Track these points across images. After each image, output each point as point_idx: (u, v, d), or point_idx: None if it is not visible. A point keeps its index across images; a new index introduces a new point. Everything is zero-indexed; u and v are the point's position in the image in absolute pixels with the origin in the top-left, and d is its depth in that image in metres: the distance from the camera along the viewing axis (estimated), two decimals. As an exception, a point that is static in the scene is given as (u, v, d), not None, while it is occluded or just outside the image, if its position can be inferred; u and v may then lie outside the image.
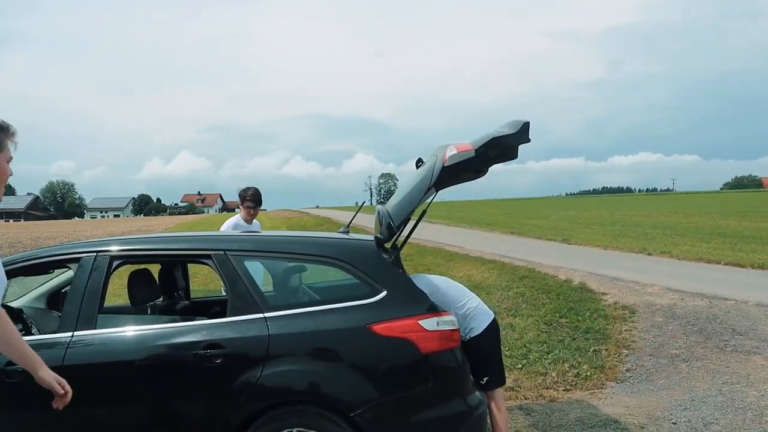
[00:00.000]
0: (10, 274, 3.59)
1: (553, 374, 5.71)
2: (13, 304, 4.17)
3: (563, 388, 5.42)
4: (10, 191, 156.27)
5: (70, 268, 3.62)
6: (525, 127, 3.36)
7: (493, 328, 3.90)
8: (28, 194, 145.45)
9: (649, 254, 13.66)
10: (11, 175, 2.16)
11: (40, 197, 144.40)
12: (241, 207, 5.97)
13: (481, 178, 3.67)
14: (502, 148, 3.40)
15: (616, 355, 6.26)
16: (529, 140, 3.40)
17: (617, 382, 5.59)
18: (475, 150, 3.37)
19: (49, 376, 2.30)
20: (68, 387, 2.35)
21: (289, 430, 3.11)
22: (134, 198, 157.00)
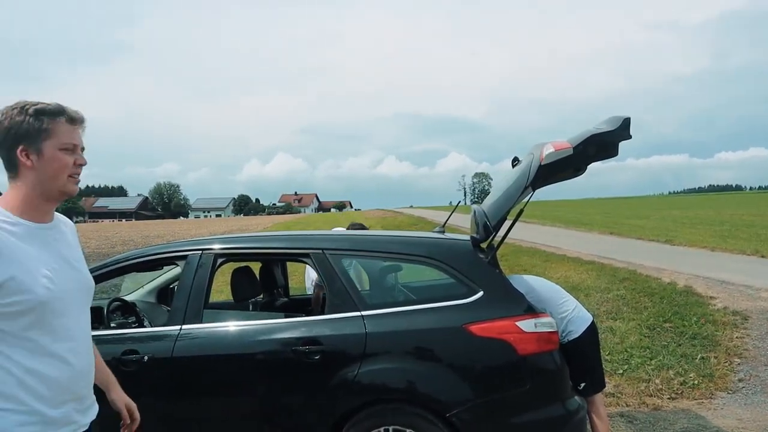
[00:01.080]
0: (124, 271, 3.82)
1: (657, 381, 5.46)
2: (127, 298, 4.44)
3: (668, 397, 5.18)
4: (122, 192, 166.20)
5: (177, 265, 3.80)
6: (626, 123, 3.25)
7: (592, 331, 3.78)
8: (138, 195, 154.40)
9: (762, 256, 12.80)
10: (81, 164, 1.89)
11: (149, 198, 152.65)
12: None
13: (578, 177, 3.57)
14: (601, 145, 3.30)
15: (726, 364, 5.91)
16: (630, 137, 3.28)
17: (728, 393, 5.28)
18: (574, 148, 3.28)
19: (120, 401, 2.13)
20: (136, 415, 2.17)
21: (385, 427, 3.14)
22: (234, 198, 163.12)
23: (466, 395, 3.13)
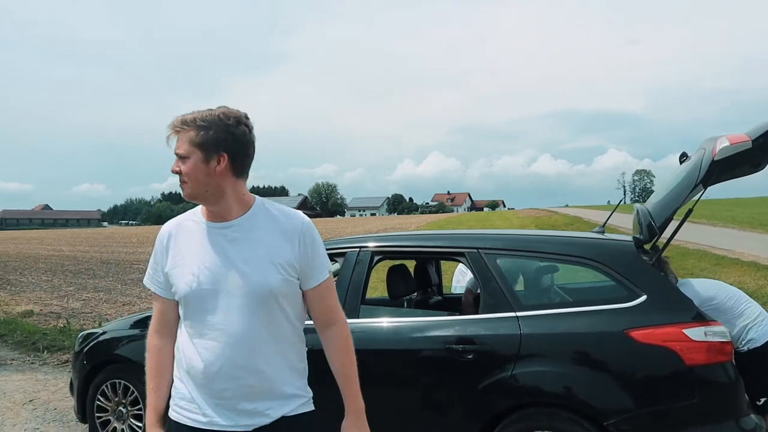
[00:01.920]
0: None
1: None
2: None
3: None
4: (284, 192, 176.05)
5: (336, 262, 3.97)
6: None
7: None
8: (299, 195, 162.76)
9: None
10: (173, 170, 1.92)
11: (308, 197, 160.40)
12: None
13: (757, 173, 3.29)
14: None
15: None
16: None
17: None
18: (753, 141, 3.02)
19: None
20: None
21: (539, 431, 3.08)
22: (388, 198, 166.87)
23: (626, 404, 2.98)
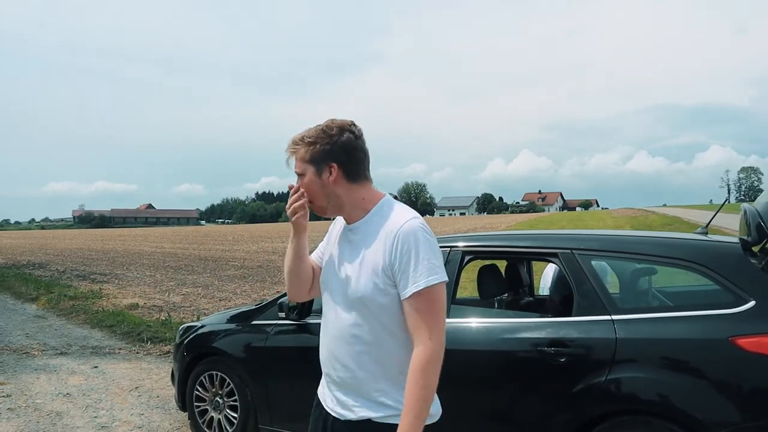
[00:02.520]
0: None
1: None
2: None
3: None
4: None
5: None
6: None
7: None
8: (389, 194, 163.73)
9: None
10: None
11: (398, 197, 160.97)
12: None
13: None
14: None
15: None
16: None
17: None
18: None
19: None
20: None
21: None
22: (478, 197, 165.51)
23: (729, 417, 2.81)
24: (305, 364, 3.10)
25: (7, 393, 6.01)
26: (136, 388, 6.17)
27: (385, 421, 1.95)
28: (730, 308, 2.97)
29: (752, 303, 2.93)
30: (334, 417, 2.04)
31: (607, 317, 3.14)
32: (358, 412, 1.98)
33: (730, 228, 14.61)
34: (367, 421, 1.96)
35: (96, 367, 7.09)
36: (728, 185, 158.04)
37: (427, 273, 1.86)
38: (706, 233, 3.90)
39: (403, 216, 1.96)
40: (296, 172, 2.02)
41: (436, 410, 2.00)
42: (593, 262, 3.37)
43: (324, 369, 2.10)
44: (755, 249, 3.33)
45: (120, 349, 8.08)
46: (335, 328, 2.02)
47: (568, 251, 3.42)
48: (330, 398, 2.07)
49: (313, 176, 1.99)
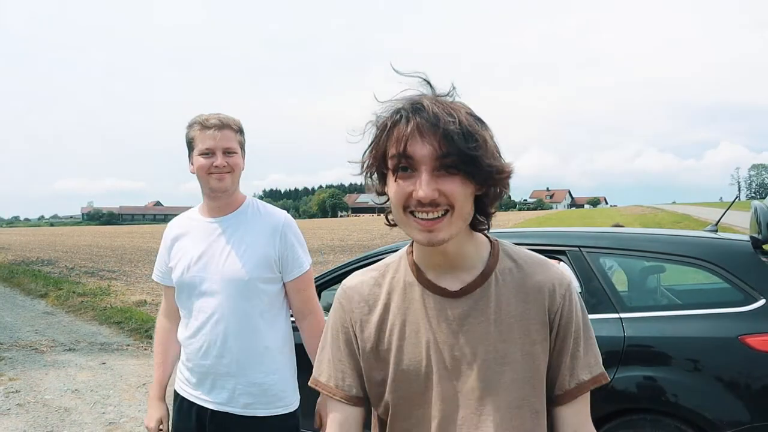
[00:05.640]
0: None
1: None
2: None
3: None
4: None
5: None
6: None
7: None
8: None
9: None
10: (218, 165, 2.14)
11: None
12: None
13: None
14: None
15: None
16: None
17: None
18: None
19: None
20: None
21: None
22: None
23: (739, 416, 2.80)
24: (305, 362, 3.10)
25: (17, 389, 6.04)
26: (144, 384, 6.19)
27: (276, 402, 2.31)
28: (740, 307, 2.95)
29: (762, 301, 2.91)
30: None
31: (615, 315, 3.12)
32: (243, 399, 2.27)
33: (740, 226, 14.54)
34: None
35: (104, 363, 7.12)
36: (739, 182, 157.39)
37: (305, 257, 2.32)
38: (716, 231, 3.87)
39: (281, 211, 2.35)
40: (228, 149, 2.17)
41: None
42: (602, 260, 3.35)
43: (200, 361, 2.25)
44: (766, 247, 3.31)
45: (128, 345, 8.11)
46: (214, 318, 2.23)
47: (576, 249, 3.40)
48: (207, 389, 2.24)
49: (242, 159, 2.24)
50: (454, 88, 1.15)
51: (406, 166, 1.10)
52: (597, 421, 3.03)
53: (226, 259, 2.18)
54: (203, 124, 2.16)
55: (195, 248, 2.22)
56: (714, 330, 2.94)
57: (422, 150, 1.08)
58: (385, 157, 1.13)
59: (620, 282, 4.02)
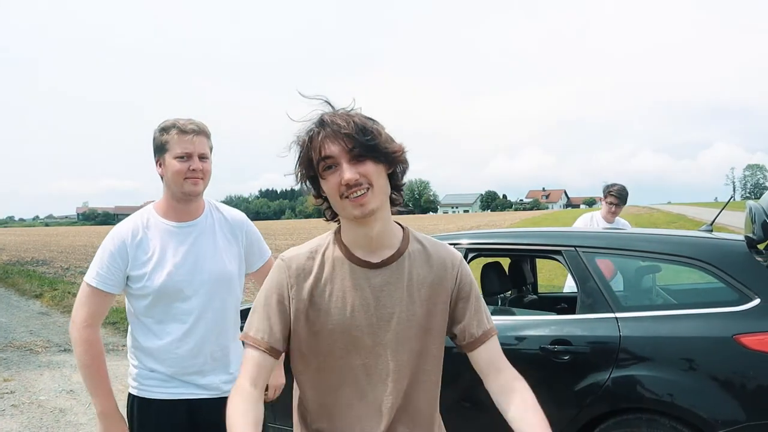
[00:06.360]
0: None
1: None
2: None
3: None
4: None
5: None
6: None
7: None
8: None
9: None
10: (195, 169, 2.19)
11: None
12: (603, 202, 5.73)
13: None
14: None
15: None
16: None
17: None
18: None
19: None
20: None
21: None
22: (482, 194, 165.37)
23: (735, 416, 2.80)
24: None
25: (11, 389, 6.03)
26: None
27: None
28: (735, 306, 2.96)
29: (757, 301, 2.92)
30: None
31: (611, 315, 3.13)
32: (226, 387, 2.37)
33: (735, 225, 14.57)
34: None
35: (99, 363, 7.10)
36: (733, 182, 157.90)
37: (267, 248, 2.57)
38: (711, 231, 3.88)
39: (239, 211, 2.52)
40: (203, 154, 2.24)
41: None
42: (597, 260, 3.36)
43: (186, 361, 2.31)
44: (760, 246, 3.32)
45: (123, 345, 8.08)
46: (199, 322, 2.30)
47: (572, 249, 3.40)
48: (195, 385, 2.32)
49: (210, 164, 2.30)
50: (354, 100, 1.53)
51: (330, 165, 1.44)
52: (593, 421, 3.06)
53: (209, 261, 2.27)
54: (182, 129, 2.19)
55: (175, 253, 2.24)
56: (709, 329, 2.95)
57: (335, 149, 1.43)
58: (311, 164, 1.47)
59: (616, 282, 4.04)
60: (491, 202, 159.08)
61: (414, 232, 1.65)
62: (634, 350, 3.03)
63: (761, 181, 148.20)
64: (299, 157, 1.50)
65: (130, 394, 2.37)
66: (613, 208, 5.53)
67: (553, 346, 3.15)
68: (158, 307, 2.24)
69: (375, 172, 1.46)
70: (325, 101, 1.51)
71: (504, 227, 27.35)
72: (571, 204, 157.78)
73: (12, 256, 24.95)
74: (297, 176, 1.53)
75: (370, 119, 1.51)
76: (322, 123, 1.46)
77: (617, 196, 5.49)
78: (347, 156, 1.43)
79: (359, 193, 1.44)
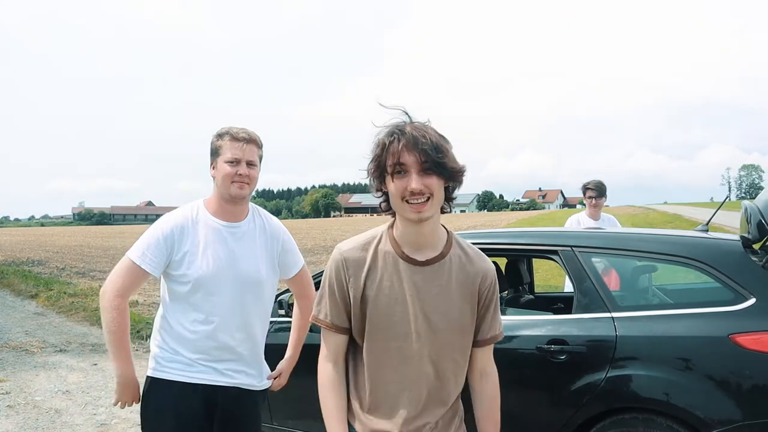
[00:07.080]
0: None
1: None
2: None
3: None
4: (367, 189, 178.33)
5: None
6: None
7: None
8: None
9: None
10: (241, 173, 2.42)
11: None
12: (585, 200, 5.76)
13: None
14: None
15: None
16: None
17: None
18: None
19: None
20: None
21: None
22: (478, 194, 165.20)
23: (730, 415, 2.80)
24: (305, 362, 3.10)
25: (7, 390, 6.01)
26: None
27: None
28: (731, 306, 2.96)
29: (753, 300, 2.92)
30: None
31: (607, 314, 3.13)
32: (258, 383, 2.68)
33: (731, 225, 14.62)
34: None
35: (95, 364, 7.10)
36: (729, 183, 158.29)
37: (301, 256, 2.80)
38: (706, 231, 3.89)
39: (276, 219, 2.72)
40: (252, 161, 2.46)
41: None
42: (594, 260, 3.36)
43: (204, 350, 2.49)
44: (756, 246, 3.33)
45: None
46: (227, 317, 2.53)
47: (569, 248, 3.41)
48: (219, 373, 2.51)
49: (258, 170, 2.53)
50: (428, 120, 1.75)
51: (401, 171, 1.67)
52: (590, 420, 3.05)
53: (243, 262, 2.48)
54: (234, 136, 2.42)
55: (215, 249, 2.44)
56: (705, 329, 2.95)
57: (410, 159, 1.66)
58: (385, 165, 1.69)
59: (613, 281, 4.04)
60: (488, 202, 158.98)
61: (457, 237, 1.88)
62: (631, 350, 3.03)
63: (756, 181, 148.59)
64: (375, 156, 1.72)
65: (148, 377, 2.50)
66: (594, 201, 5.59)
67: (549, 346, 3.15)
68: (195, 295, 2.41)
69: (437, 185, 1.68)
70: (404, 111, 1.73)
71: (501, 227, 27.36)
72: (567, 204, 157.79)
73: (7, 256, 24.87)
74: (369, 172, 1.76)
75: (443, 137, 1.72)
76: (402, 132, 1.67)
77: (594, 188, 5.58)
78: (418, 167, 1.66)
79: (420, 200, 1.67)
